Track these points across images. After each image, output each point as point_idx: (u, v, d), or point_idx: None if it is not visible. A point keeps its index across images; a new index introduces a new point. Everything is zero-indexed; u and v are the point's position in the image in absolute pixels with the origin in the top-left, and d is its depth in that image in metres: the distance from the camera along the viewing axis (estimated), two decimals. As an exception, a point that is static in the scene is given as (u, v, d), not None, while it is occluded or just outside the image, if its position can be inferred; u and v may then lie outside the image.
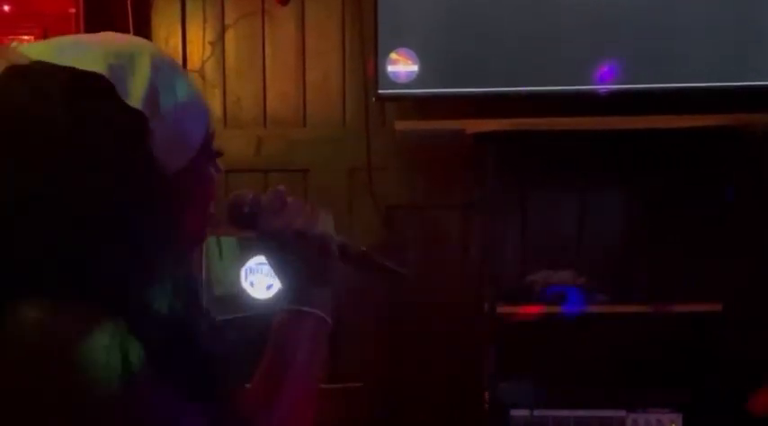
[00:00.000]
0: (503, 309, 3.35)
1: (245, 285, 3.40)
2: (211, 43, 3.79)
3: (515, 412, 3.29)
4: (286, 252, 1.34)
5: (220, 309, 3.40)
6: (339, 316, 1.37)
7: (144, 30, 3.69)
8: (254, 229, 1.35)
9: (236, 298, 3.39)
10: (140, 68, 1.17)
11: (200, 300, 1.24)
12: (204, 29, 3.80)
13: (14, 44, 1.20)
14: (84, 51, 1.16)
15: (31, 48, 1.18)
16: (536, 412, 3.29)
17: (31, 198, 1.09)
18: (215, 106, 3.77)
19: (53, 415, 1.04)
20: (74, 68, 1.14)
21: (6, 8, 3.29)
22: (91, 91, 1.13)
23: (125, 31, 3.42)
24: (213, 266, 3.48)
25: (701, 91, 3.36)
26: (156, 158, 1.16)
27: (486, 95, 3.43)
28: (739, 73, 3.36)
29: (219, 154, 1.29)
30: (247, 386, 1.31)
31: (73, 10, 3.30)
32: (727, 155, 3.48)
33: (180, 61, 3.77)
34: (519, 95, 3.42)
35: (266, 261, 1.38)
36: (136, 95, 1.15)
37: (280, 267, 1.36)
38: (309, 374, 1.31)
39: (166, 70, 1.20)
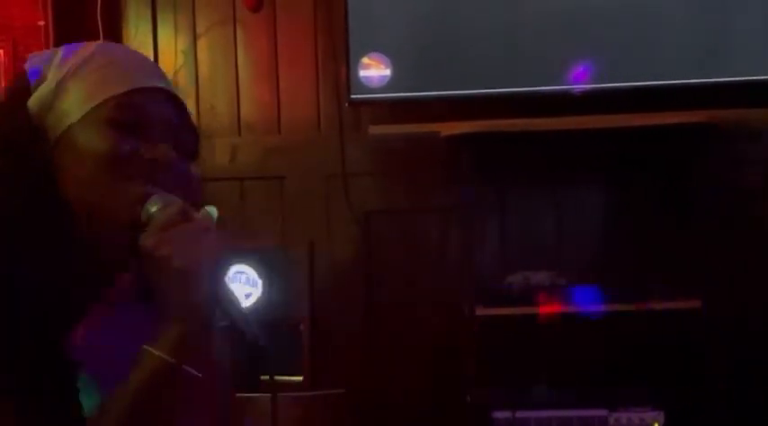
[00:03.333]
0: (483, 311, 3.34)
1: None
2: (183, 52, 3.78)
3: (497, 414, 3.28)
4: (151, 277, 1.16)
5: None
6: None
7: (115, 40, 3.67)
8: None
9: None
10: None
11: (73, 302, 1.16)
12: (176, 38, 3.78)
13: None
14: None
15: None
16: (518, 414, 3.28)
17: None
18: (189, 115, 3.75)
19: None
20: None
21: (-25, 21, 3.27)
22: None
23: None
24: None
25: (676, 88, 3.37)
26: (38, 121, 1.18)
27: (459, 98, 3.43)
28: (713, 69, 3.37)
29: (128, 126, 1.19)
30: None
31: (42, 22, 3.28)
32: (703, 152, 3.48)
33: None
34: (492, 97, 3.42)
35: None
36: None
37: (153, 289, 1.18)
38: (132, 418, 1.13)
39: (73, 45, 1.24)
